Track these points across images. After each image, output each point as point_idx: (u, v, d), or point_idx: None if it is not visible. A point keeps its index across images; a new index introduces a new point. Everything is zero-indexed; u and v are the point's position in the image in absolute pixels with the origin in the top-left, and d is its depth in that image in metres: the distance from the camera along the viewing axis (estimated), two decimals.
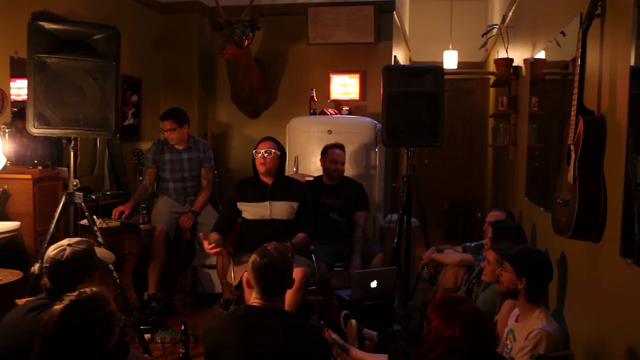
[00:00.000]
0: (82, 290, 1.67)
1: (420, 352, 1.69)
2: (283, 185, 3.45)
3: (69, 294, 1.66)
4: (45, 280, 1.99)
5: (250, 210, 3.41)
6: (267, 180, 3.42)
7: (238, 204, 3.43)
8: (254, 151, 3.43)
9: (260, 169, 3.39)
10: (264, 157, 3.36)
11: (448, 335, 1.58)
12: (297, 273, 3.08)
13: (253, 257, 2.10)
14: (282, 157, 3.45)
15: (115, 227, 3.77)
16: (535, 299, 2.25)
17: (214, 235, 3.30)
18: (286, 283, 2.12)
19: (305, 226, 3.42)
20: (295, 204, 3.41)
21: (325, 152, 3.97)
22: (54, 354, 1.57)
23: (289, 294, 2.97)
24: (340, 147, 3.97)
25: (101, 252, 2.34)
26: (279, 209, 3.39)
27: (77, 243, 2.06)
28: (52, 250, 2.02)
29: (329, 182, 3.96)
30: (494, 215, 3.40)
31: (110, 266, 3.06)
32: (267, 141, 3.44)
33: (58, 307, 1.61)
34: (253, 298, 2.09)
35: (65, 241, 2.07)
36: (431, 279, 3.82)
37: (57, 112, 2.86)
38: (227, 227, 3.47)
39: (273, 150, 3.38)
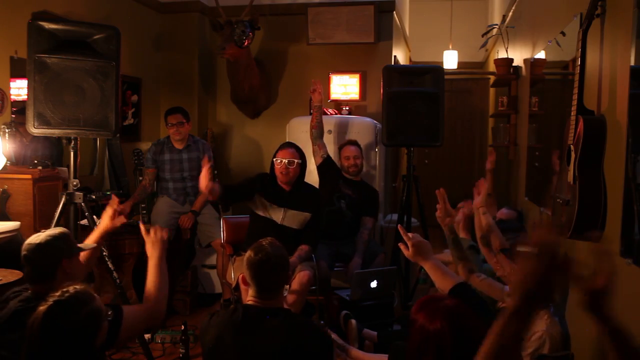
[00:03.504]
0: (65, 289, 1.66)
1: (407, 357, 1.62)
2: (300, 193, 3.35)
3: (52, 294, 1.65)
4: (26, 269, 2.00)
5: (262, 209, 3.33)
6: (285, 187, 3.34)
7: (258, 195, 3.31)
8: (274, 159, 3.32)
9: (282, 179, 3.29)
10: (286, 168, 3.26)
11: (434, 330, 1.50)
12: (303, 276, 3.07)
13: (248, 253, 2.06)
14: (303, 165, 3.36)
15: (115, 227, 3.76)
16: None
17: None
18: (283, 279, 2.08)
19: (310, 238, 3.33)
20: (308, 215, 3.33)
21: (340, 149, 4.07)
22: (41, 354, 1.58)
23: (293, 296, 2.97)
24: (353, 142, 4.03)
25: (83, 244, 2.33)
26: (292, 218, 3.31)
27: (52, 230, 2.09)
28: (28, 241, 2.03)
29: (348, 177, 4.00)
30: (504, 213, 3.39)
31: (110, 266, 3.07)
32: (289, 149, 3.32)
33: (42, 308, 1.61)
34: (249, 296, 2.07)
35: (41, 232, 2.09)
36: (426, 280, 3.83)
37: (57, 112, 2.86)
38: (232, 193, 3.28)
39: (296, 161, 3.28)
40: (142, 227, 2.27)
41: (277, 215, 3.31)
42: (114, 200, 2.51)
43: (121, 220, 2.49)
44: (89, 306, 1.65)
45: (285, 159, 3.26)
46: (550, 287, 1.07)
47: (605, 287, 1.18)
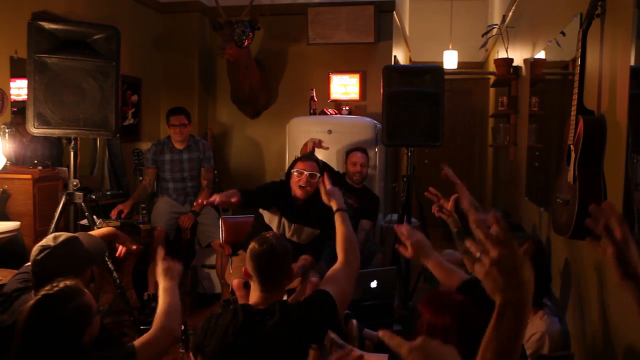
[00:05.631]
0: (54, 284, 1.66)
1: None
2: (313, 208, 3.08)
3: (42, 289, 1.66)
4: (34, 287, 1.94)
5: (272, 220, 3.20)
6: (298, 201, 3.14)
7: (275, 208, 3.15)
8: (293, 171, 3.09)
9: (298, 193, 3.06)
10: (307, 181, 3.03)
11: (442, 325, 1.48)
12: (315, 284, 3.00)
13: (251, 245, 2.03)
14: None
15: (115, 227, 3.76)
16: (538, 302, 2.24)
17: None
18: (286, 272, 2.04)
19: (314, 251, 3.17)
20: (316, 232, 3.19)
21: (347, 155, 4.07)
22: (29, 348, 1.58)
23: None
24: (361, 149, 4.04)
25: (91, 241, 2.24)
26: (300, 233, 3.19)
27: (63, 245, 1.97)
28: (37, 254, 1.94)
29: (351, 184, 4.00)
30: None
31: (110, 266, 3.07)
32: (311, 162, 3.11)
33: (31, 302, 1.62)
34: (252, 292, 2.04)
35: (51, 240, 1.98)
36: (432, 279, 3.82)
37: (57, 112, 2.86)
38: (250, 201, 3.13)
39: (318, 175, 3.01)
40: (160, 251, 2.19)
41: (287, 230, 3.20)
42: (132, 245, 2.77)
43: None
44: (77, 301, 1.65)
45: (307, 171, 3.03)
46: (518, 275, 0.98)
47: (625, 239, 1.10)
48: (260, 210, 3.29)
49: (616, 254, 1.09)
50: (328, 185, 2.25)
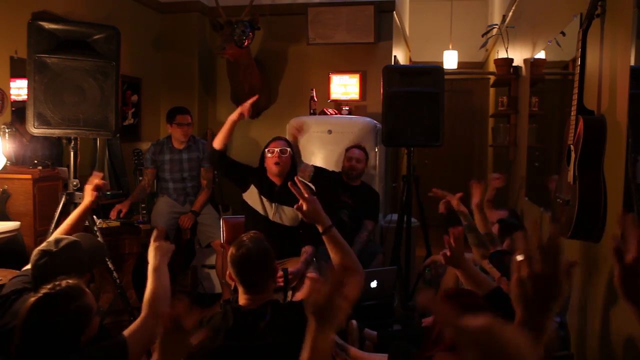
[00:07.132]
0: (56, 283, 1.66)
1: (425, 345, 1.62)
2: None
3: (44, 287, 1.65)
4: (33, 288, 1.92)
5: (255, 202, 3.28)
6: (277, 180, 3.27)
7: (254, 186, 3.27)
8: (265, 150, 3.29)
9: (274, 169, 3.23)
10: (279, 157, 3.21)
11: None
12: (313, 279, 3.03)
13: (230, 250, 2.02)
14: (293, 158, 3.34)
15: (115, 227, 3.77)
16: None
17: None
18: (268, 272, 2.01)
19: (309, 238, 3.18)
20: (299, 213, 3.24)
21: (346, 152, 4.12)
22: (27, 346, 1.59)
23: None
24: (359, 146, 4.10)
25: (91, 243, 2.23)
26: (283, 214, 3.25)
27: (64, 250, 1.94)
28: (38, 258, 1.91)
29: (348, 181, 4.02)
30: (497, 214, 3.39)
31: (110, 266, 3.07)
32: (279, 141, 3.34)
33: (32, 299, 1.62)
34: (240, 294, 2.03)
35: (52, 245, 1.95)
36: (431, 281, 3.83)
37: (57, 112, 2.86)
38: (230, 160, 3.40)
39: (288, 150, 3.26)
40: (155, 232, 2.19)
41: (269, 211, 3.27)
42: (95, 176, 2.55)
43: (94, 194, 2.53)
44: (78, 302, 1.65)
45: (278, 148, 3.25)
46: (549, 288, 0.94)
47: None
48: (243, 197, 3.34)
49: (622, 276, 1.02)
50: (305, 207, 1.91)
